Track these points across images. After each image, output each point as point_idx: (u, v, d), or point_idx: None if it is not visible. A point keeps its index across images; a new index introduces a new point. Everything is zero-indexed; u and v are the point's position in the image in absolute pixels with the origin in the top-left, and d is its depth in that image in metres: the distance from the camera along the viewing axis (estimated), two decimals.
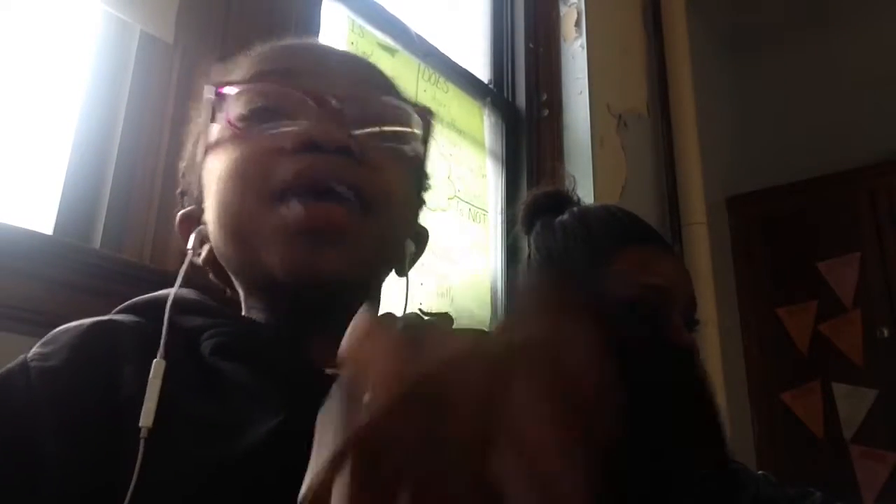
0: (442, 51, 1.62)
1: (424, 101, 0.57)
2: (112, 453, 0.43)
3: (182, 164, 0.62)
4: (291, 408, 0.45)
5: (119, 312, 0.54)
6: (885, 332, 2.28)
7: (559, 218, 1.00)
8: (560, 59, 1.93)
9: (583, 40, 1.92)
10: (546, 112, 1.85)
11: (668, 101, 2.21)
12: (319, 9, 1.21)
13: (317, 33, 1.19)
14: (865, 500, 2.17)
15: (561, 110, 1.88)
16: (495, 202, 1.72)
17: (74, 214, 0.89)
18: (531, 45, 1.90)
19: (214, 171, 0.53)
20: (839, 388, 2.33)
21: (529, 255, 1.03)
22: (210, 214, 0.53)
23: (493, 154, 1.77)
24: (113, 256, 0.87)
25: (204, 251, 0.56)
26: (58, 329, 0.50)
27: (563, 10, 1.98)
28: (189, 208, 0.59)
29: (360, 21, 1.43)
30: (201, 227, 0.56)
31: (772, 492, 0.93)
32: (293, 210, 0.48)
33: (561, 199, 1.05)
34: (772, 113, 2.87)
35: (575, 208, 1.02)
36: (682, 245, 2.10)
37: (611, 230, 0.97)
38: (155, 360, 0.46)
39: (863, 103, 2.66)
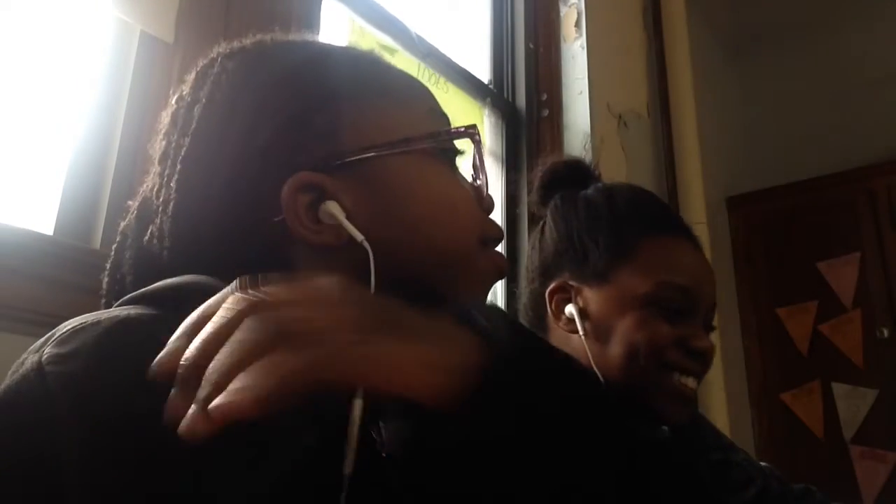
0: (442, 51, 1.63)
1: (391, 63, 0.59)
2: (149, 486, 0.38)
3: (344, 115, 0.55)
4: (322, 423, 0.44)
5: (127, 303, 0.47)
6: (885, 332, 2.28)
7: (583, 192, 0.93)
8: (560, 59, 1.93)
9: (583, 40, 1.92)
10: (546, 112, 1.85)
11: (668, 101, 2.21)
12: (319, 9, 1.21)
13: (317, 33, 1.19)
14: (865, 500, 2.17)
15: (561, 110, 1.88)
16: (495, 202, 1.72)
17: (74, 214, 0.89)
18: (531, 46, 1.90)
19: (424, 188, 0.54)
20: (839, 388, 2.33)
21: (543, 229, 0.95)
22: (410, 229, 0.53)
23: (493, 154, 1.77)
24: None
25: (326, 231, 0.51)
26: (70, 327, 0.43)
27: (563, 10, 1.98)
28: (308, 174, 0.51)
29: (360, 21, 1.44)
30: (331, 202, 0.51)
31: (777, 488, 0.91)
32: (497, 259, 0.58)
33: (582, 171, 0.98)
34: (772, 113, 2.87)
35: (599, 184, 0.95)
36: None
37: (639, 214, 0.90)
38: None
39: (863, 103, 2.66)
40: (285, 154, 0.52)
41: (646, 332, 0.81)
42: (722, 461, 0.90)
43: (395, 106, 0.56)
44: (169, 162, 0.55)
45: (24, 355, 0.42)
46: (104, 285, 0.57)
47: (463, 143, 0.59)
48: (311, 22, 1.18)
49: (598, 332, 0.84)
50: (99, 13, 0.97)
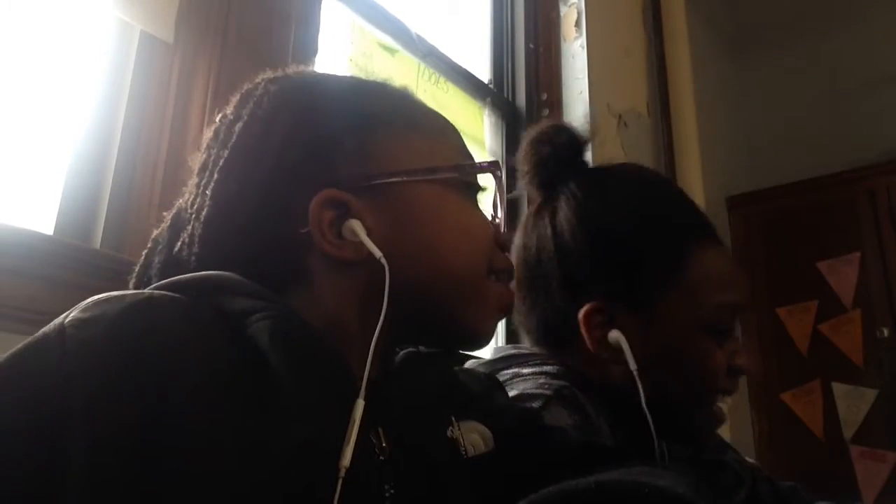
0: (442, 51, 1.63)
1: (424, 101, 0.60)
2: (148, 457, 0.40)
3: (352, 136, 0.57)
4: (323, 417, 0.46)
5: (153, 289, 0.49)
6: (885, 332, 2.28)
7: (610, 183, 0.81)
8: (560, 59, 1.93)
9: (583, 40, 1.92)
10: (546, 112, 1.85)
11: (668, 101, 2.21)
12: (319, 9, 1.21)
13: (317, 33, 1.19)
14: (865, 500, 2.16)
15: (561, 110, 1.88)
16: None
17: (74, 214, 0.90)
18: (531, 45, 1.90)
19: (443, 215, 0.57)
20: (839, 388, 2.33)
21: (556, 226, 0.80)
22: (425, 252, 0.56)
23: (493, 154, 1.77)
24: (113, 256, 0.87)
25: (346, 247, 0.53)
26: (97, 298, 0.45)
27: (563, 10, 1.98)
28: (335, 192, 0.54)
29: (360, 21, 1.44)
30: (354, 220, 0.54)
31: (767, 489, 0.89)
32: (504, 294, 0.60)
33: (579, 144, 0.85)
34: (772, 113, 2.87)
35: (625, 169, 0.85)
36: None
37: (684, 220, 0.79)
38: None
39: (863, 103, 2.66)
40: (315, 171, 0.55)
41: (706, 364, 0.74)
42: (713, 462, 0.86)
43: (424, 138, 0.60)
44: (207, 173, 0.58)
45: (51, 323, 0.44)
46: (130, 287, 0.59)
47: (485, 181, 0.62)
48: (311, 22, 1.18)
49: (649, 364, 0.73)
50: (99, 13, 0.97)
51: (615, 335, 0.74)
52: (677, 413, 0.75)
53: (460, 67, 1.69)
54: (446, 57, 1.64)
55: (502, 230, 0.62)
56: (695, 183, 2.15)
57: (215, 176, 0.56)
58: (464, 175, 0.59)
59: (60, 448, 0.39)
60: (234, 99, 0.61)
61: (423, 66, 1.58)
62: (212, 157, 0.58)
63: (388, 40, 1.50)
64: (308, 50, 1.16)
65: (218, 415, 0.43)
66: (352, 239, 0.53)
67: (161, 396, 0.41)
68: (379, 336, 0.50)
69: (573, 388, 0.71)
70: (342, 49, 1.38)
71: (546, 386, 0.71)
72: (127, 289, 0.57)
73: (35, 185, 0.90)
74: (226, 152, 0.57)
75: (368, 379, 0.48)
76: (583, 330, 0.76)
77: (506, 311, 0.61)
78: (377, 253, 0.52)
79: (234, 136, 0.57)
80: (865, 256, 2.37)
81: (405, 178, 0.56)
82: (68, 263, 0.80)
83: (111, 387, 0.41)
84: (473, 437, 0.55)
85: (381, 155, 0.56)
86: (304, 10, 1.16)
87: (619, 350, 0.73)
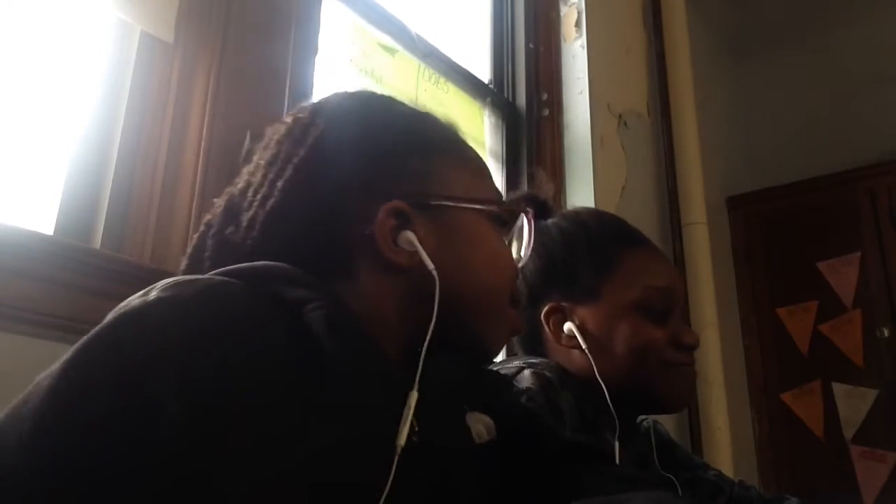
0: (442, 51, 1.63)
1: (424, 101, 0.66)
2: (220, 412, 0.43)
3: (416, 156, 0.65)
4: (376, 402, 0.52)
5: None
6: (885, 332, 2.28)
7: (552, 220, 1.01)
8: (560, 59, 1.93)
9: (583, 40, 1.92)
10: (546, 112, 1.85)
11: (668, 101, 2.21)
12: (319, 9, 1.21)
13: (317, 33, 1.19)
14: (865, 500, 2.17)
15: (561, 110, 1.88)
16: None
17: (74, 214, 0.90)
18: (531, 45, 1.90)
19: (481, 242, 0.65)
20: (839, 388, 2.33)
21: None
22: (462, 271, 0.63)
23: (493, 154, 1.77)
24: (113, 256, 0.87)
25: (401, 254, 0.60)
26: (172, 280, 0.50)
27: (563, 10, 1.98)
28: (402, 204, 0.61)
29: (360, 21, 1.44)
30: (411, 232, 0.60)
31: (746, 494, 0.99)
32: (516, 320, 0.68)
33: (547, 205, 1.06)
34: (772, 113, 2.88)
35: (564, 212, 1.06)
36: (682, 245, 2.10)
37: (611, 233, 1.00)
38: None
39: (863, 103, 2.66)
40: (382, 182, 0.62)
41: (642, 337, 0.91)
42: (690, 479, 0.99)
43: (470, 172, 0.68)
44: (277, 167, 0.63)
45: (129, 299, 0.48)
46: (183, 266, 0.64)
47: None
48: (311, 22, 1.18)
49: (599, 343, 0.92)
50: (99, 13, 0.97)
51: (569, 326, 0.93)
52: (635, 381, 0.91)
53: (460, 67, 1.69)
54: (446, 57, 1.64)
55: (521, 264, 0.71)
56: (695, 183, 2.15)
57: (288, 172, 0.61)
58: (501, 210, 0.68)
59: (148, 406, 0.42)
60: (307, 104, 0.68)
61: (423, 66, 1.58)
62: (282, 154, 0.63)
63: (388, 40, 1.50)
64: (308, 50, 1.16)
65: (279, 382, 0.47)
66: (406, 248, 0.60)
67: (231, 370, 0.45)
68: (418, 338, 0.56)
69: (551, 371, 0.87)
70: (342, 49, 1.38)
71: (526, 364, 0.89)
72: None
73: (35, 185, 0.90)
74: (302, 151, 0.62)
75: (413, 372, 0.54)
76: (546, 326, 0.95)
77: (515, 334, 0.72)
78: (430, 264, 0.59)
79: (311, 139, 0.63)
80: (865, 256, 2.37)
81: (457, 204, 0.64)
82: (68, 263, 0.80)
83: (190, 347, 0.44)
84: (478, 426, 0.62)
85: (440, 179, 0.64)
86: (304, 10, 1.16)
87: (575, 336, 0.92)
